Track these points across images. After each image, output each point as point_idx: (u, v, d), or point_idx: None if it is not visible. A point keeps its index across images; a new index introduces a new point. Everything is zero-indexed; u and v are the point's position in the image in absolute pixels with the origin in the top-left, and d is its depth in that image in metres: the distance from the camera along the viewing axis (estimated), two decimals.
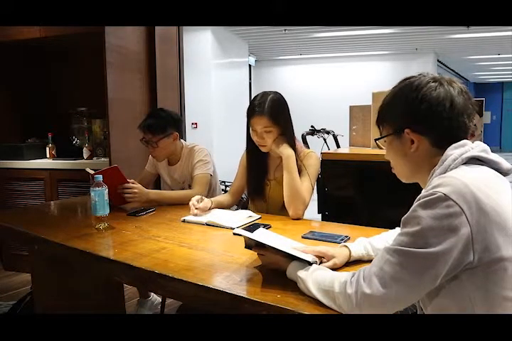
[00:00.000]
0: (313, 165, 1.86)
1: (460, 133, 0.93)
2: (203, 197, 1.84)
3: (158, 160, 2.28)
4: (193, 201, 1.80)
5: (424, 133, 0.93)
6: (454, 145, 0.91)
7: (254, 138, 1.82)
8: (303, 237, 1.42)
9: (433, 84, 0.93)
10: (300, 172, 1.80)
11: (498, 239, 0.79)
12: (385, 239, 1.19)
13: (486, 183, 0.84)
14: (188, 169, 2.24)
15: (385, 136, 1.01)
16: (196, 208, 1.76)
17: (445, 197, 0.80)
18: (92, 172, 1.84)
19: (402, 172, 1.02)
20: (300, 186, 1.75)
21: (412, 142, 0.95)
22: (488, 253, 0.79)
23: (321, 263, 1.12)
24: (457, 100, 0.92)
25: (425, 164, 0.95)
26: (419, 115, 0.93)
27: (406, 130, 0.94)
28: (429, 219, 0.80)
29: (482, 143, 0.93)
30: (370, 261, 1.19)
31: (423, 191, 0.88)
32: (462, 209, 0.78)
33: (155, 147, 2.16)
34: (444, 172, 0.89)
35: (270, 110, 1.76)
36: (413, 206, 0.85)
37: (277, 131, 1.79)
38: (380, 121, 1.03)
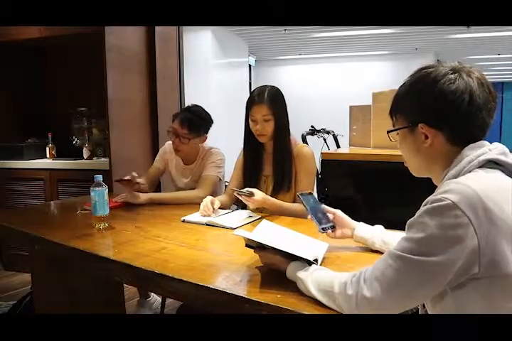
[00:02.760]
0: (305, 167, 1.89)
1: (478, 130, 0.88)
2: (215, 200, 1.81)
3: (177, 153, 2.24)
4: (208, 204, 1.76)
5: (440, 128, 0.88)
6: (471, 145, 0.87)
7: (254, 129, 1.86)
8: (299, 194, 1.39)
9: (452, 76, 0.87)
10: (295, 169, 1.88)
11: (508, 254, 0.75)
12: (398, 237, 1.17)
13: (500, 192, 0.79)
14: (201, 170, 2.23)
15: (397, 129, 0.96)
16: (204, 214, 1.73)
17: (453, 206, 0.76)
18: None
19: (414, 167, 0.98)
20: (295, 209, 1.81)
21: (426, 137, 0.90)
22: (495, 268, 0.75)
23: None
24: (477, 94, 0.86)
25: (439, 160, 0.91)
26: (434, 109, 0.87)
27: (420, 124, 0.89)
28: (435, 227, 0.77)
29: (501, 144, 0.88)
30: (371, 250, 1.27)
31: (433, 194, 0.83)
32: (470, 220, 0.75)
33: (184, 143, 2.15)
34: (458, 175, 0.85)
35: (269, 99, 1.83)
36: (420, 210, 0.81)
37: (275, 121, 1.84)
38: (393, 112, 0.98)
